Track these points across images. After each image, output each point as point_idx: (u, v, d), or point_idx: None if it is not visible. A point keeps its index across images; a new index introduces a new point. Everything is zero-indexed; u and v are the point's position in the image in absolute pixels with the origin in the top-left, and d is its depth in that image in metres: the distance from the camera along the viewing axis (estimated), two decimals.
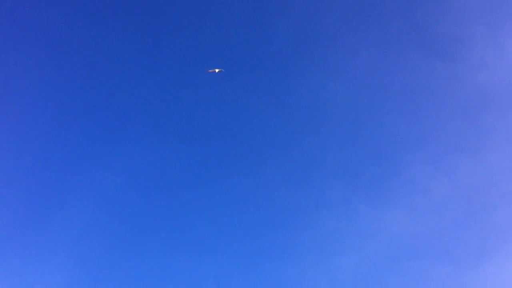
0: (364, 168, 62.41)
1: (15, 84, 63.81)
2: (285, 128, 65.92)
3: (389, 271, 55.57)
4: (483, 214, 58.34)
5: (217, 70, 48.98)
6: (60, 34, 66.00)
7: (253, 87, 67.92)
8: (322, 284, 54.92)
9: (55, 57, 66.02)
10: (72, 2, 66.99)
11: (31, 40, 65.15)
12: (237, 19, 69.50)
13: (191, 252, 57.52)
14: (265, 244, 58.38)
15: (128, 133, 64.61)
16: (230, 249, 58.04)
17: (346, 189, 61.53)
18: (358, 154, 63.54)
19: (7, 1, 63.25)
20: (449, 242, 56.91)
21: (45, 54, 65.54)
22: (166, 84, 67.39)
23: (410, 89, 64.97)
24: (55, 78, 65.27)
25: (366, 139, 64.18)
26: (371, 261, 56.50)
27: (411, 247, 57.08)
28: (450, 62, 64.54)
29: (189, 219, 60.34)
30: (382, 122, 64.62)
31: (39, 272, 53.74)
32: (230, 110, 67.03)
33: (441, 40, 65.47)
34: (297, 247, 58.03)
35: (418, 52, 66.05)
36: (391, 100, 65.23)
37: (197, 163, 64.24)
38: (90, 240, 56.59)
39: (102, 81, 66.24)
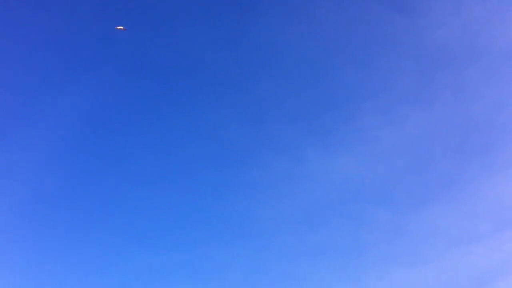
0: (316, 114, 63.70)
1: None
2: (240, 67, 66.25)
3: (333, 213, 57.48)
4: (427, 163, 60.27)
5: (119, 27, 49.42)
6: None
7: (208, 24, 67.62)
8: (268, 221, 56.26)
9: None
10: None
11: None
12: None
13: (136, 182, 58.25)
14: (213, 179, 59.41)
15: None
16: (179, 181, 58.86)
17: (296, 133, 62.86)
18: (311, 100, 64.63)
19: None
20: (392, 188, 59.16)
21: None
22: None
23: (367, 39, 65.92)
24: None
25: (319, 85, 65.17)
26: (316, 203, 58.42)
27: (355, 192, 59.25)
28: (409, 16, 65.49)
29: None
30: (337, 70, 65.66)
31: None
32: (184, 47, 66.79)
33: None
34: (245, 185, 59.39)
35: (378, 3, 66.67)
36: (348, 48, 66.22)
37: (153, 99, 64.47)
38: None
39: None
